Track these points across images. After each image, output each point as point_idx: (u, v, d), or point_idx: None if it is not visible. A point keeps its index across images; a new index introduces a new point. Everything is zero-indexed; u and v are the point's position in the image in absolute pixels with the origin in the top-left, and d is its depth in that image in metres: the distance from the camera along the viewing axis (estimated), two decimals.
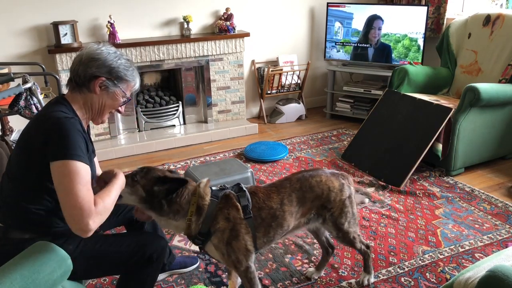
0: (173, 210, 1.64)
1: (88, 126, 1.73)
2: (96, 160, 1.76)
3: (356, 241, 2.00)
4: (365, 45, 4.37)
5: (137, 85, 1.67)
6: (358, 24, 4.35)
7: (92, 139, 3.86)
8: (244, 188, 1.76)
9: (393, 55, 4.27)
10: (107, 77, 1.56)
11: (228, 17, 4.09)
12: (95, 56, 1.56)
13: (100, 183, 1.61)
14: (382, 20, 4.23)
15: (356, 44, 4.40)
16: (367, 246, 2.07)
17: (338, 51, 4.51)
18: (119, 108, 1.66)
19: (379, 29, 4.26)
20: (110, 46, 1.62)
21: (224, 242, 1.69)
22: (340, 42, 4.46)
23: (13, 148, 3.00)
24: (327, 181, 1.89)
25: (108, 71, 1.56)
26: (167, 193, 1.62)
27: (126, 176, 1.63)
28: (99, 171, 1.84)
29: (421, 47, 4.11)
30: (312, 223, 1.93)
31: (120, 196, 1.58)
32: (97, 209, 1.40)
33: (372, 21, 4.28)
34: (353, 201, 1.94)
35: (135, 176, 1.63)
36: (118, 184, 1.55)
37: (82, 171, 1.41)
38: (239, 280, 2.07)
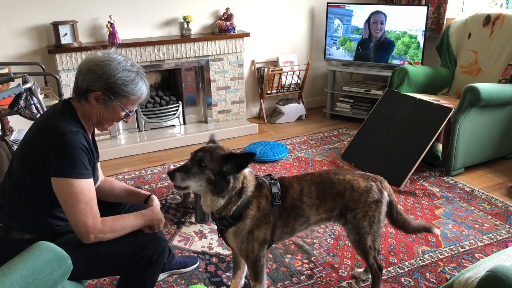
0: (232, 187, 1.65)
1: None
2: (98, 164, 1.78)
3: (370, 253, 1.91)
4: (368, 41, 4.37)
5: (143, 97, 1.60)
6: (358, 21, 4.35)
7: None
8: (275, 178, 1.80)
9: (393, 52, 4.27)
10: (103, 92, 1.52)
11: (228, 17, 4.09)
12: (93, 68, 1.51)
13: (145, 229, 1.69)
14: (385, 15, 4.22)
15: (361, 37, 4.40)
16: (380, 268, 1.96)
17: (338, 48, 4.50)
18: (123, 119, 1.63)
19: (382, 23, 4.25)
20: (117, 55, 1.56)
21: (247, 230, 1.72)
22: (341, 39, 4.46)
23: (13, 148, 3.00)
24: (352, 180, 1.86)
25: (104, 86, 1.51)
26: (237, 169, 1.62)
27: (192, 163, 1.60)
28: (101, 176, 1.85)
29: (421, 45, 4.10)
30: (334, 221, 1.91)
31: (187, 187, 1.60)
32: (103, 227, 1.47)
33: (374, 16, 4.28)
34: (381, 207, 1.86)
35: (202, 162, 1.59)
36: (143, 215, 1.62)
37: (86, 189, 1.45)
38: (242, 282, 2.08)
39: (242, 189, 1.69)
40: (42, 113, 1.64)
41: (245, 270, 2.06)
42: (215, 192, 1.64)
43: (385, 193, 1.88)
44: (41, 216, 1.55)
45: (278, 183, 1.78)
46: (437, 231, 2.02)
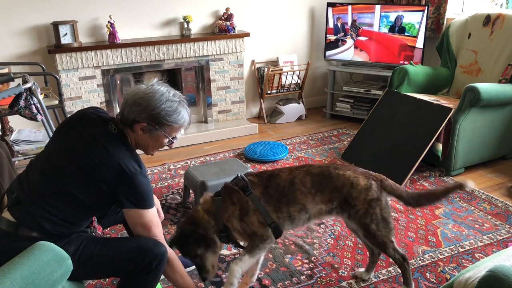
0: (210, 232, 1.89)
1: None
2: None
3: (387, 246, 1.93)
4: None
5: (185, 124, 1.71)
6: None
7: None
8: (238, 174, 1.94)
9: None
10: (148, 123, 1.61)
11: (228, 17, 4.09)
12: (138, 100, 1.60)
13: None
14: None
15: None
16: (403, 257, 1.96)
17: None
18: (167, 145, 1.74)
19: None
20: (160, 86, 1.64)
21: (238, 221, 1.87)
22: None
23: (13, 148, 3.00)
24: (352, 177, 1.89)
25: (149, 117, 1.61)
26: (199, 242, 1.88)
27: (196, 266, 1.93)
28: None
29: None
30: (337, 215, 1.95)
31: (213, 266, 1.93)
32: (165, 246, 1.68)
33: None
34: (382, 205, 1.89)
35: (192, 255, 1.89)
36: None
37: (155, 216, 1.67)
38: (254, 279, 2.11)
39: (208, 212, 1.90)
40: (69, 116, 1.72)
41: (258, 268, 2.11)
42: (213, 245, 1.91)
43: (384, 192, 1.92)
44: (66, 221, 1.57)
45: (240, 176, 1.91)
46: (470, 185, 1.90)
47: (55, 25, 3.50)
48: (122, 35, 3.80)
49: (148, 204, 1.62)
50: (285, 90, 4.59)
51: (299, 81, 4.63)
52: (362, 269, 2.23)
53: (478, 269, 1.54)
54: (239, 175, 1.93)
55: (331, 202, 1.90)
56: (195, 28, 4.11)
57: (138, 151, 1.71)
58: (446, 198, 2.04)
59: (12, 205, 1.56)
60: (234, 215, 1.87)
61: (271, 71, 4.37)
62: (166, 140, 1.70)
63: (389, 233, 1.92)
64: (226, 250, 2.43)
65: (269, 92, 4.52)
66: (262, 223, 1.86)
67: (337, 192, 1.89)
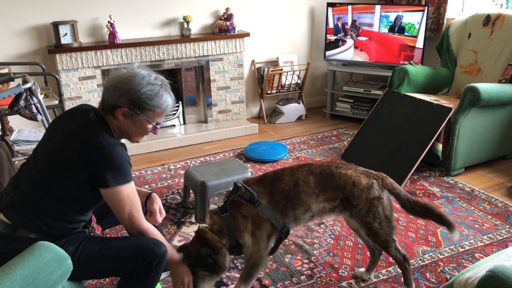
0: (210, 249, 1.83)
1: None
2: None
3: (389, 245, 1.93)
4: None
5: (168, 109, 1.65)
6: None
7: None
8: (239, 185, 1.86)
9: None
10: (129, 107, 1.56)
11: (228, 17, 4.09)
12: (118, 84, 1.56)
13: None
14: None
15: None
16: (404, 257, 1.97)
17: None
18: (152, 131, 1.67)
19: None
20: (140, 70, 1.59)
21: (249, 236, 1.83)
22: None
23: (13, 147, 3.00)
24: (354, 176, 1.89)
25: (129, 102, 1.56)
26: (210, 267, 1.83)
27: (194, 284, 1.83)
28: None
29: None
30: (339, 213, 1.94)
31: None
32: (144, 227, 1.64)
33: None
34: (384, 203, 1.89)
35: (192, 270, 1.81)
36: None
37: (132, 193, 1.58)
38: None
39: (219, 231, 1.85)
40: (58, 116, 1.69)
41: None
42: (224, 268, 1.87)
43: (385, 190, 1.91)
44: (60, 220, 1.57)
45: (243, 187, 1.84)
46: (455, 236, 1.95)
47: (55, 25, 3.50)
48: (122, 35, 3.80)
49: (126, 179, 1.56)
50: (285, 90, 4.59)
51: (299, 81, 4.63)
52: (363, 269, 2.23)
53: (478, 269, 1.54)
54: (241, 185, 1.85)
55: (333, 200, 1.90)
56: (195, 28, 4.11)
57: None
58: (436, 223, 2.01)
59: (6, 208, 1.57)
60: (247, 229, 1.83)
61: (271, 71, 4.37)
62: (150, 126, 1.64)
63: (391, 231, 1.92)
64: None
65: (269, 92, 4.52)
66: (268, 237, 1.85)
67: (340, 191, 1.89)
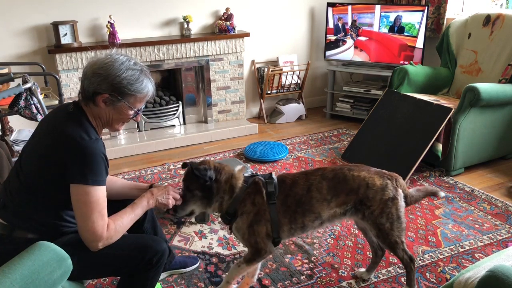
0: (217, 190, 1.79)
1: None
2: None
3: (398, 246, 1.91)
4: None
5: (149, 94, 1.62)
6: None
7: None
8: (274, 176, 1.85)
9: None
10: (110, 93, 1.53)
11: (228, 17, 4.09)
12: (98, 70, 1.53)
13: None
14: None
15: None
16: (410, 258, 1.95)
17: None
18: (133, 118, 1.65)
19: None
20: (119, 55, 1.57)
21: (247, 224, 1.81)
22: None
23: (13, 148, 3.00)
24: (367, 177, 1.86)
25: (110, 87, 1.53)
26: (215, 176, 1.78)
27: (181, 195, 1.80)
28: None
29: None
30: (350, 216, 1.91)
31: (192, 212, 1.83)
32: (108, 233, 1.51)
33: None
34: (398, 204, 1.87)
35: (189, 187, 1.79)
36: (136, 206, 1.66)
37: (101, 198, 1.50)
38: (254, 279, 2.10)
39: (232, 187, 1.81)
40: (47, 113, 1.65)
41: (258, 268, 2.09)
42: (210, 202, 1.82)
43: (400, 190, 1.89)
44: (50, 217, 1.56)
45: (275, 182, 1.83)
46: (442, 194, 2.04)
47: (55, 25, 3.51)
48: (122, 35, 3.80)
49: (97, 180, 1.48)
50: (285, 90, 4.59)
51: (299, 81, 4.63)
52: (363, 269, 2.22)
53: (478, 269, 1.54)
54: (274, 177, 1.84)
55: (346, 204, 1.86)
56: (195, 28, 4.12)
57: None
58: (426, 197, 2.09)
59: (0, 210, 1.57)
60: (248, 216, 1.80)
61: (271, 71, 4.37)
62: (131, 112, 1.61)
63: (401, 232, 1.91)
64: (226, 250, 2.43)
65: (269, 92, 4.52)
66: (269, 236, 1.83)
67: (353, 194, 1.85)
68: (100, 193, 1.49)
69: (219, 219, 2.72)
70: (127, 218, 1.61)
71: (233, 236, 1.94)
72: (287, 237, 1.90)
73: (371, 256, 2.19)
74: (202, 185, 1.77)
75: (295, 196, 1.82)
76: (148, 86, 1.61)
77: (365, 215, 1.88)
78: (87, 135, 1.50)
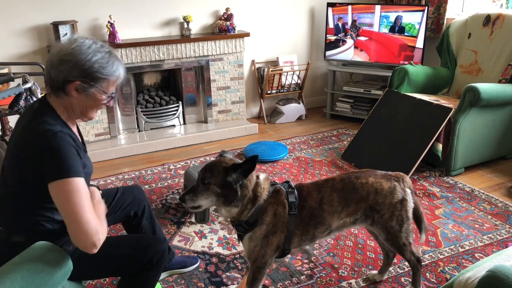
0: (242, 195, 1.67)
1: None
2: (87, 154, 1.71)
3: (406, 248, 1.90)
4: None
5: (121, 77, 1.54)
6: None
7: (92, 139, 3.87)
8: (293, 186, 1.80)
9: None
10: (82, 80, 1.44)
11: (228, 17, 4.09)
12: (66, 57, 1.43)
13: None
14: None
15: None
16: (418, 260, 1.95)
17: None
18: (106, 103, 1.56)
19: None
20: (84, 39, 1.48)
21: (263, 235, 1.74)
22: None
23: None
24: (375, 183, 1.83)
25: (81, 74, 1.44)
26: (244, 176, 1.64)
27: (197, 183, 1.66)
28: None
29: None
30: (360, 224, 1.89)
31: (199, 206, 1.67)
32: (102, 223, 1.41)
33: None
34: (407, 205, 1.85)
35: (205, 180, 1.65)
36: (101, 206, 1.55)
37: (82, 188, 1.38)
38: None
39: (256, 196, 1.71)
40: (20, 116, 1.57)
41: None
42: (226, 203, 1.68)
43: (408, 191, 1.88)
44: (42, 219, 1.52)
45: (295, 192, 1.78)
46: (423, 237, 2.01)
47: (55, 25, 3.50)
48: (122, 35, 3.80)
49: (71, 172, 1.37)
50: (285, 90, 4.59)
51: (299, 81, 4.63)
52: (375, 271, 2.20)
53: (478, 269, 1.54)
54: (293, 185, 1.80)
55: (356, 213, 1.84)
56: (195, 28, 4.11)
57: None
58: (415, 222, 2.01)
59: None
60: (268, 227, 1.73)
61: (271, 71, 4.37)
62: (105, 97, 1.52)
63: (409, 234, 1.89)
64: (226, 250, 2.43)
65: (269, 92, 4.52)
66: (278, 248, 1.78)
67: (363, 202, 1.83)
68: (78, 184, 1.37)
69: (219, 219, 2.72)
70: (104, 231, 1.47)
71: (240, 242, 1.85)
72: (295, 248, 1.87)
73: (382, 258, 2.18)
74: (228, 184, 1.64)
75: (309, 209, 1.78)
76: (120, 69, 1.53)
77: (374, 221, 1.86)
78: (50, 129, 1.40)
